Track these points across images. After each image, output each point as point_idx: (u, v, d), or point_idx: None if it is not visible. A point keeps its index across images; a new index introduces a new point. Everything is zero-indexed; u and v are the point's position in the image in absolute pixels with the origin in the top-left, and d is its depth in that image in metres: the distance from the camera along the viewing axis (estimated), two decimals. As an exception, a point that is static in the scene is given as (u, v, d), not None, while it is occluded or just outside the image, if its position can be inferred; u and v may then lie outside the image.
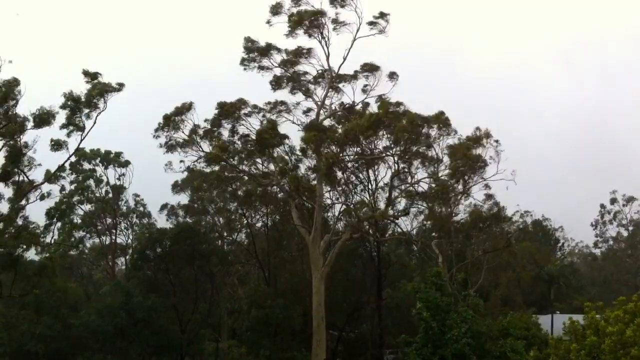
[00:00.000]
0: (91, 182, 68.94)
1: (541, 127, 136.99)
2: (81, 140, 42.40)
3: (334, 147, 48.26)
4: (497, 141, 49.46)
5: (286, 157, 49.59)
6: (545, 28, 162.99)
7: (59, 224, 62.73)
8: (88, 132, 42.02)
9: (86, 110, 41.63)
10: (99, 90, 41.34)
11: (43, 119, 40.31)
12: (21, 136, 40.30)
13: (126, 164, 70.07)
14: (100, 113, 41.89)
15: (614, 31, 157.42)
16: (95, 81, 41.55)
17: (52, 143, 41.86)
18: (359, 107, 49.83)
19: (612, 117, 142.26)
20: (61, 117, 41.51)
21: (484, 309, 42.74)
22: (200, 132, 48.40)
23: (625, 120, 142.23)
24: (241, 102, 49.35)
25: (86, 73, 41.62)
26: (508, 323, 38.63)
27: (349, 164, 51.24)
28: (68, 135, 41.92)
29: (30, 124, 40.31)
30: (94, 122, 41.99)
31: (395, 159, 49.99)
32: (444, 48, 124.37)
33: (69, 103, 41.12)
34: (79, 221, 68.55)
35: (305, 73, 49.21)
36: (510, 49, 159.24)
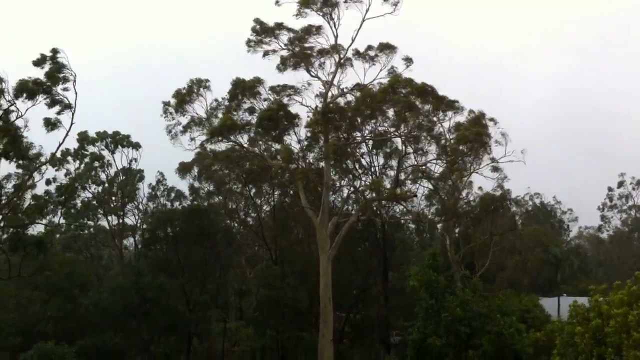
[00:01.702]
0: (97, 164, 68.55)
1: (527, 112, 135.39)
2: (73, 115, 41.66)
3: (342, 130, 48.14)
4: (492, 119, 49.00)
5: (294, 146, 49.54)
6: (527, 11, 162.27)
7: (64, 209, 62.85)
8: (75, 105, 41.36)
9: (60, 87, 41.14)
10: (56, 67, 40.68)
11: (31, 90, 40.08)
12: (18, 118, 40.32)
13: (136, 145, 69.76)
14: (75, 82, 41.14)
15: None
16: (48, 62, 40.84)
17: (46, 123, 41.41)
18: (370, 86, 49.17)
19: (599, 98, 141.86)
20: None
21: (483, 289, 43.19)
22: (217, 110, 48.19)
23: (613, 100, 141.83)
24: (257, 81, 48.46)
25: (36, 62, 40.87)
26: (502, 302, 39.07)
27: (357, 148, 51.16)
28: (58, 113, 41.44)
29: (23, 103, 40.19)
30: (76, 93, 41.21)
31: (402, 139, 49.96)
32: (426, 33, 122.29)
33: (40, 88, 40.56)
34: (81, 203, 68.61)
35: (313, 50, 47.88)
36: (492, 34, 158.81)
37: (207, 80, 48.40)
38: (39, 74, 40.89)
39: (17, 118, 40.30)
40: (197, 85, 48.28)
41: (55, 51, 41.04)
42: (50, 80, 40.77)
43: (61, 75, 40.98)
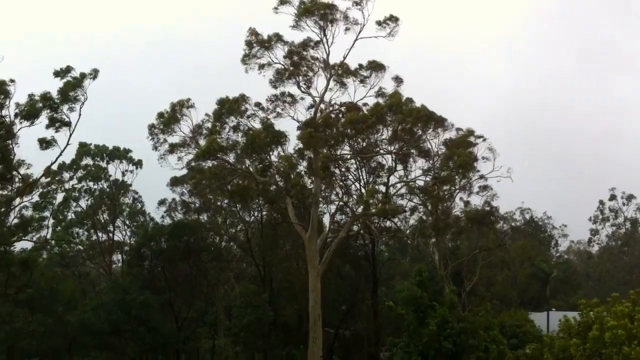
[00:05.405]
0: (94, 177, 66.79)
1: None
2: (70, 135, 41.86)
3: (331, 144, 48.03)
4: (481, 136, 49.47)
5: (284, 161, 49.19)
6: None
7: (52, 220, 62.01)
8: (75, 126, 41.56)
9: (67, 106, 41.24)
10: (74, 83, 40.92)
11: (30, 113, 39.99)
12: (12, 140, 40.15)
13: (139, 162, 67.60)
14: (82, 105, 41.41)
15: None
16: (68, 76, 41.14)
17: (40, 142, 41.28)
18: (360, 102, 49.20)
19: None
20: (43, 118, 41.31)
21: (470, 304, 43.08)
22: (202, 128, 47.77)
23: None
24: (242, 99, 48.07)
25: (57, 73, 41.26)
26: (486, 317, 38.86)
27: (346, 162, 51.09)
28: (56, 130, 41.39)
29: (20, 124, 40.06)
30: (79, 115, 41.40)
31: (393, 156, 50.00)
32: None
33: (47, 103, 40.72)
34: (74, 217, 67.69)
35: (307, 65, 47.50)
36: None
37: (188, 100, 47.91)
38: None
39: (8, 140, 40.14)
40: (180, 106, 47.88)
41: (83, 75, 41.39)
42: (62, 96, 40.82)
43: (74, 94, 41.07)
